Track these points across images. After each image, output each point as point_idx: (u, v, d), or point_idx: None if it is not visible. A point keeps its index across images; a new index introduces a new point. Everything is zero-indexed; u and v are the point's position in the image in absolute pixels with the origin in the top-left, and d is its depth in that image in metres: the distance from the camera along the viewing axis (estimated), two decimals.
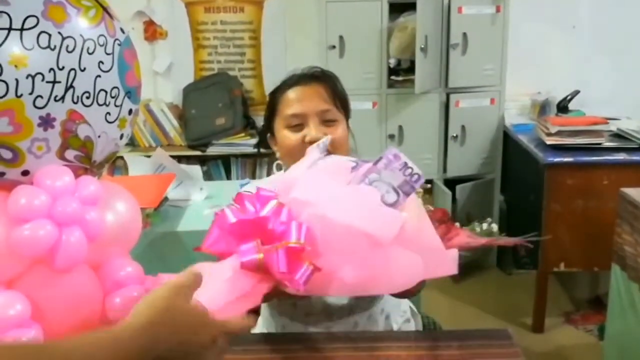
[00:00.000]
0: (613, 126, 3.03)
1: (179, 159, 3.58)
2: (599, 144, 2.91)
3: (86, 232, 0.98)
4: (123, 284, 1.09)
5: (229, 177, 3.74)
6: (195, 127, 3.69)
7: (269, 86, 3.84)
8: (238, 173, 3.74)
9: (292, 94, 1.50)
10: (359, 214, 0.97)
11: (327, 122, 1.49)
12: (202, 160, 3.71)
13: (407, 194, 1.02)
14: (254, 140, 3.67)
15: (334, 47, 3.36)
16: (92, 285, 1.06)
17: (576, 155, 2.85)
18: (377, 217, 0.97)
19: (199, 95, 3.75)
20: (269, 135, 1.58)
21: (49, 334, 0.97)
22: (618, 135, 2.99)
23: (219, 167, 3.78)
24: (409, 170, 1.02)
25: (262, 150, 3.60)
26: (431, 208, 1.22)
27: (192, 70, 3.86)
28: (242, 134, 3.70)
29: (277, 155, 1.58)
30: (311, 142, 1.44)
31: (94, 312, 1.06)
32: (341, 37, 3.35)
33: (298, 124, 1.48)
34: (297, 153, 1.45)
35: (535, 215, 2.99)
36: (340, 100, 1.53)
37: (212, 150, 3.67)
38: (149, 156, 3.18)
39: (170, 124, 3.77)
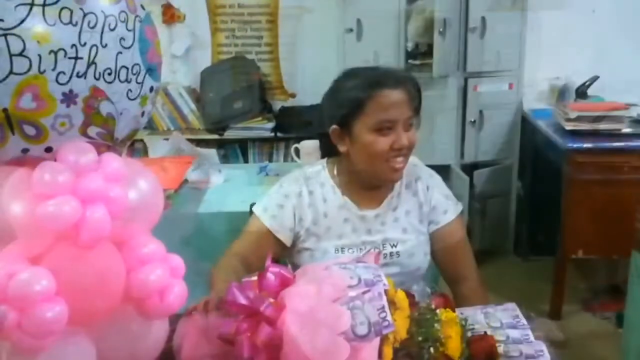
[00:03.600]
0: (633, 112, 3.01)
1: (197, 142, 3.61)
2: (619, 129, 2.89)
3: (110, 209, 0.99)
4: (146, 261, 1.09)
5: (246, 161, 3.76)
6: (213, 111, 3.71)
7: (286, 70, 3.88)
8: (255, 157, 3.76)
9: (384, 98, 1.49)
10: (314, 337, 1.03)
11: (408, 127, 1.52)
12: (220, 144, 3.73)
13: (376, 334, 1.05)
14: (271, 124, 3.69)
15: (351, 30, 3.35)
16: (115, 262, 1.06)
17: (596, 141, 2.84)
18: (326, 347, 1.03)
19: (217, 78, 3.76)
20: (335, 127, 1.56)
21: (73, 310, 0.99)
22: (638, 121, 2.97)
23: (237, 150, 3.80)
24: (384, 315, 1.06)
25: (279, 134, 3.67)
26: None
27: (209, 54, 3.86)
28: (260, 118, 3.70)
29: (342, 149, 1.56)
30: (399, 149, 1.49)
31: (117, 288, 1.07)
32: (359, 21, 3.34)
33: (387, 128, 1.49)
34: (383, 157, 1.51)
35: (553, 201, 2.98)
36: (419, 104, 1.56)
37: (229, 134, 3.69)
38: (167, 139, 3.20)
39: (188, 107, 3.78)
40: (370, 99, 1.49)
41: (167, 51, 3.76)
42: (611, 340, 2.75)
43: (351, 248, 1.58)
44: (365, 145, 1.51)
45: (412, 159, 1.67)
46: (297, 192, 1.61)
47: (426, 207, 1.63)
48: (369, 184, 1.60)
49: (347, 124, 1.52)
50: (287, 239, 1.61)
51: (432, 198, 1.63)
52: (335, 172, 1.64)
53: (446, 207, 1.64)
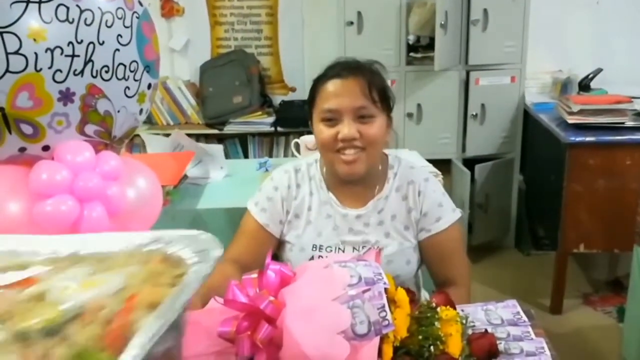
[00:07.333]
0: (637, 105, 2.97)
1: (197, 137, 3.59)
2: (622, 123, 2.85)
3: (107, 208, 0.98)
4: None
5: (246, 156, 3.75)
6: (212, 105, 3.69)
7: (286, 64, 3.86)
8: (255, 151, 3.75)
9: (329, 87, 1.47)
10: (314, 336, 1.02)
11: (362, 118, 1.47)
12: (219, 139, 3.72)
13: (376, 334, 1.04)
14: (271, 119, 3.67)
15: (352, 23, 3.31)
16: None
17: (598, 135, 2.81)
18: (325, 345, 1.02)
19: (216, 73, 3.73)
20: (310, 122, 1.57)
21: None
22: None
23: (236, 145, 3.79)
24: (384, 314, 1.05)
25: (279, 128, 3.65)
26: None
27: (208, 48, 3.85)
28: (259, 112, 3.69)
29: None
30: (343, 140, 1.45)
31: None
32: (359, 13, 3.30)
33: (333, 119, 1.47)
34: (330, 148, 1.48)
35: (555, 195, 2.96)
36: (379, 94, 1.49)
37: (229, 129, 3.67)
38: (167, 134, 3.18)
39: (188, 102, 3.76)
40: (318, 89, 1.49)
41: (166, 45, 3.74)
42: (612, 335, 2.74)
43: (329, 247, 1.55)
44: (315, 134, 1.52)
45: (411, 160, 1.64)
46: (286, 185, 1.61)
47: (415, 213, 1.55)
48: (346, 181, 1.55)
49: (311, 118, 1.54)
50: (277, 232, 1.60)
51: (424, 204, 1.55)
52: (324, 167, 1.61)
53: (439, 214, 1.55)
